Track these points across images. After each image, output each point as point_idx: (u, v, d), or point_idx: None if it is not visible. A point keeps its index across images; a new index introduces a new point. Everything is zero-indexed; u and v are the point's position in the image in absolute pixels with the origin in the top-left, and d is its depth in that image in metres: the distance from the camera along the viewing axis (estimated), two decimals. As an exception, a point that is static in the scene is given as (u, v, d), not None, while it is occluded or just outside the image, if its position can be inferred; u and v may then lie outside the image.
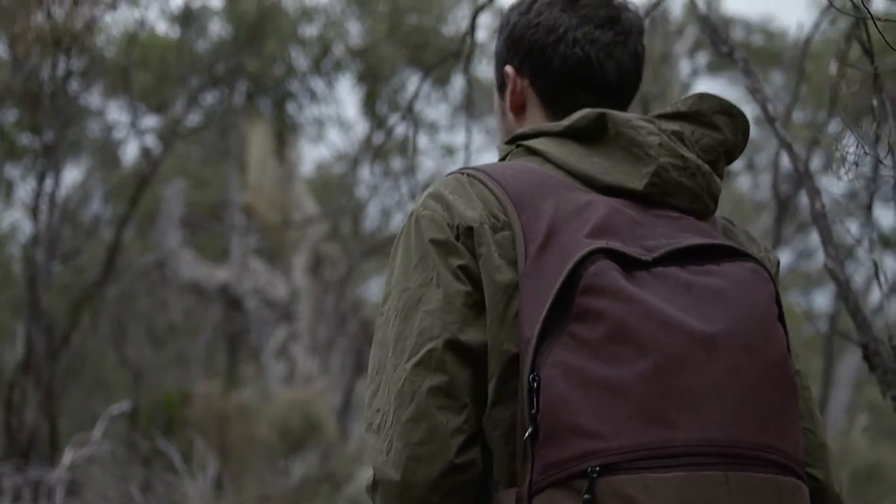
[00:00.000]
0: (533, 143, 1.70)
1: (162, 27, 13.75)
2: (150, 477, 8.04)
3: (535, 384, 1.45)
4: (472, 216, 1.59)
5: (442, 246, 1.59)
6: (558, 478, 1.42)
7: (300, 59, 12.83)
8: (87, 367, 16.40)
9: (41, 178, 12.97)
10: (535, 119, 1.84)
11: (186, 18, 12.93)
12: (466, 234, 1.58)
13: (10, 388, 12.67)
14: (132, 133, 14.08)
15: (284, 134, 13.48)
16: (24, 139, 14.19)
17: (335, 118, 15.80)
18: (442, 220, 1.61)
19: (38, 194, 12.63)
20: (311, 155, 33.01)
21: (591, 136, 1.66)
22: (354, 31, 13.08)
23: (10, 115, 12.94)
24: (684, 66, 13.40)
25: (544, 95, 1.84)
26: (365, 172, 15.14)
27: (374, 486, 1.57)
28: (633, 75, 1.85)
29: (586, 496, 1.39)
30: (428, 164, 15.85)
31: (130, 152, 19.01)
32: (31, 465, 9.58)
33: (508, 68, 1.86)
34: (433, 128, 14.67)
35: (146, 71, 13.47)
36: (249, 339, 14.86)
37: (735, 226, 1.77)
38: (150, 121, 14.40)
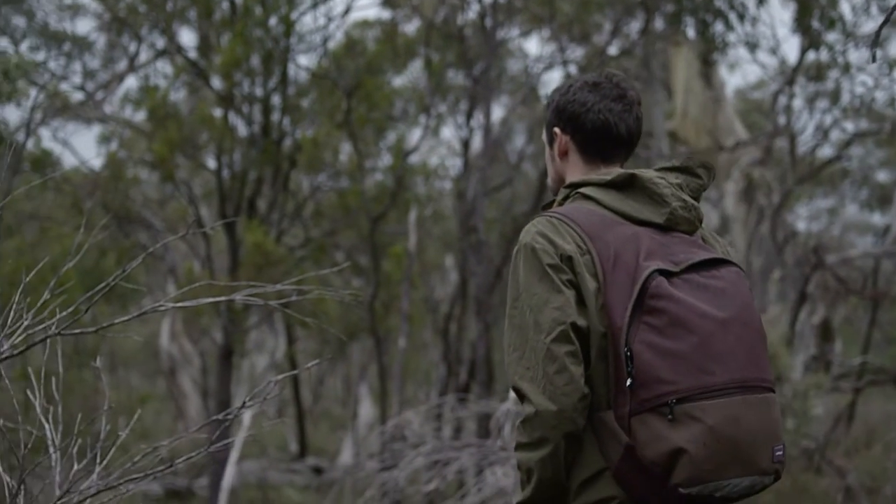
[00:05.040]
0: (585, 190, 2.81)
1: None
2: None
3: (629, 353, 2.58)
4: (570, 248, 2.69)
5: (555, 268, 2.68)
6: (650, 406, 2.56)
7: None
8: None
9: (470, 113, 13.13)
10: (576, 161, 2.93)
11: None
12: (568, 260, 2.67)
13: (446, 321, 12.97)
14: (556, 65, 14.00)
15: (711, 55, 12.90)
16: (450, 76, 14.41)
17: (766, 37, 14.98)
18: (551, 251, 2.69)
19: (468, 128, 12.78)
20: (730, 82, 32.02)
21: (624, 186, 2.77)
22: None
23: (437, 53, 13.09)
24: None
25: (580, 146, 2.92)
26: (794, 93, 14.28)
27: (534, 415, 2.63)
28: (637, 130, 2.92)
29: (669, 416, 2.55)
30: (867, 81, 14.82)
31: (547, 88, 18.96)
32: (470, 397, 9.69)
33: (556, 129, 2.94)
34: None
35: (568, 1, 13.31)
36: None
37: (706, 231, 2.87)
38: (574, 53, 14.24)
